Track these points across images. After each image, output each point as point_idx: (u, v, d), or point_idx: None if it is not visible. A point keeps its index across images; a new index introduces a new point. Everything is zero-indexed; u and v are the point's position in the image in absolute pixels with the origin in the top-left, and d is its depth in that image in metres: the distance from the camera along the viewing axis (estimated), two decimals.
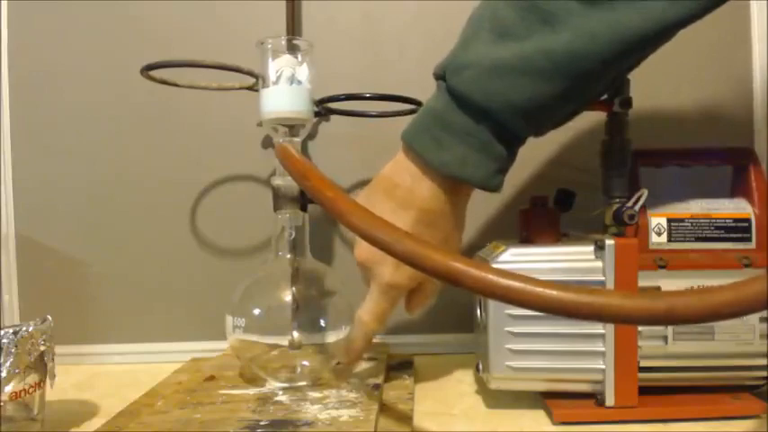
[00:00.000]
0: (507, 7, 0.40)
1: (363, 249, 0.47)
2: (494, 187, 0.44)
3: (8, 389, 0.43)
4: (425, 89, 0.46)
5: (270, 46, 0.52)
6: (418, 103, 0.61)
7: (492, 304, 0.48)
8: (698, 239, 0.50)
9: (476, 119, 0.42)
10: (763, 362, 0.47)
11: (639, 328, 0.47)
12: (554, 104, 0.41)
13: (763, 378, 0.48)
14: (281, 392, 0.50)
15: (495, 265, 0.47)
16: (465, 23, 0.44)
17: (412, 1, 0.70)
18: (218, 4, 0.69)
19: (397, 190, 0.46)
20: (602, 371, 0.47)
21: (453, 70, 0.42)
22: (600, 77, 0.41)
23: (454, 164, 0.43)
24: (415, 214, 0.45)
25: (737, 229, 0.50)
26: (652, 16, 0.37)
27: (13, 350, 0.43)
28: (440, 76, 0.45)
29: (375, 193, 0.47)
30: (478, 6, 0.44)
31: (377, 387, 0.50)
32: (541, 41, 0.39)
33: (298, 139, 0.53)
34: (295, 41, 0.54)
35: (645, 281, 0.47)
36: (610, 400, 0.47)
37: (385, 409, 0.48)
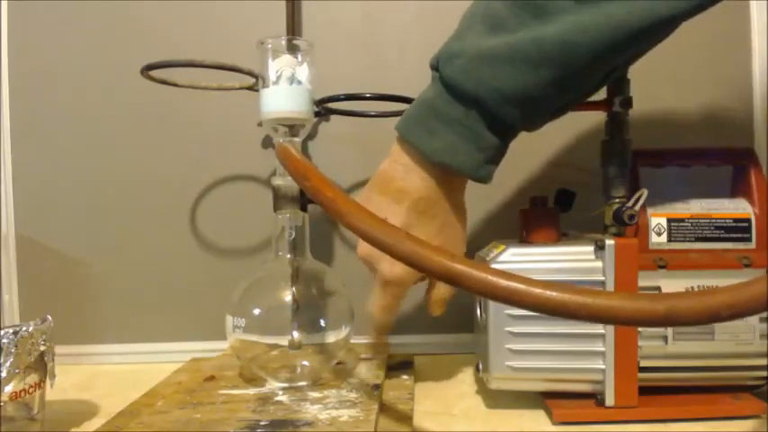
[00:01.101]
0: (500, 4, 0.41)
1: (364, 246, 0.47)
2: (483, 177, 0.44)
3: (8, 389, 0.43)
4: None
5: (270, 46, 0.52)
6: None
7: (492, 304, 0.48)
8: (698, 239, 0.50)
9: (467, 107, 0.42)
10: (763, 362, 0.47)
11: (639, 329, 0.47)
12: (544, 95, 0.42)
13: (763, 378, 0.48)
14: (281, 392, 0.50)
15: (495, 265, 0.47)
16: (459, 20, 0.45)
17: (412, 1, 0.70)
18: (218, 5, 0.69)
19: (392, 183, 0.46)
20: (602, 371, 0.47)
21: (446, 60, 0.43)
22: (591, 71, 0.41)
23: (444, 152, 0.43)
24: (409, 203, 0.45)
25: (737, 229, 0.50)
26: (640, 13, 0.38)
27: (13, 350, 0.43)
28: (434, 67, 0.45)
29: (372, 190, 0.47)
30: (472, 5, 0.44)
31: (377, 387, 0.51)
32: (532, 32, 0.40)
33: (298, 139, 0.53)
34: (295, 41, 0.54)
35: (645, 281, 0.47)
36: (610, 400, 0.47)
37: (385, 409, 0.48)
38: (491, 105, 0.42)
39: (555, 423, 0.47)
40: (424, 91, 0.46)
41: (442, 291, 0.50)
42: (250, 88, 0.60)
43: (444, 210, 0.46)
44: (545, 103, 0.43)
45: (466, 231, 0.49)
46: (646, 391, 0.48)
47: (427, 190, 0.45)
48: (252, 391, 0.50)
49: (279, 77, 0.51)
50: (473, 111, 0.42)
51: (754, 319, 0.47)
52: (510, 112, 0.42)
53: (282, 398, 0.48)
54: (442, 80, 0.43)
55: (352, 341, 0.54)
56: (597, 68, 0.42)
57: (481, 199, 0.69)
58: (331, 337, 0.52)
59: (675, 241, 0.50)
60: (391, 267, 0.46)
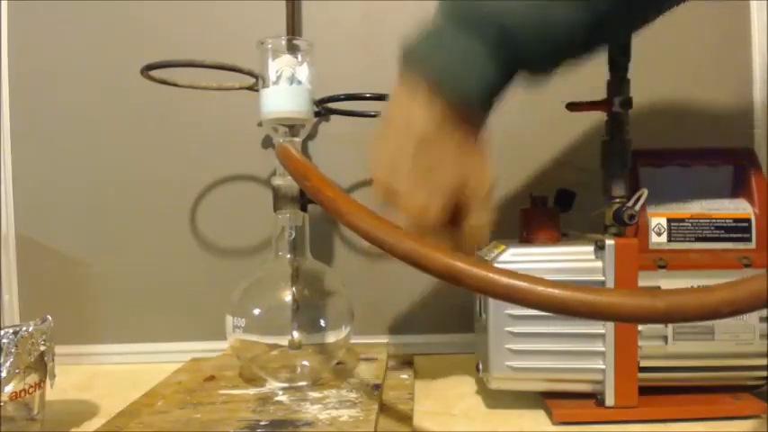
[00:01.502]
0: None
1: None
2: (480, 108, 0.42)
3: (8, 389, 0.43)
4: None
5: (270, 46, 0.52)
6: None
7: (492, 304, 0.48)
8: (698, 239, 0.50)
9: (473, 35, 0.39)
10: (763, 362, 0.47)
11: (639, 328, 0.47)
12: (553, 31, 0.39)
13: (763, 378, 0.48)
14: (281, 392, 0.50)
15: (495, 265, 0.47)
16: None
17: (412, 1, 0.70)
18: (218, 5, 0.69)
19: (395, 120, 0.43)
20: (602, 371, 0.47)
21: None
22: (607, 20, 0.39)
23: (444, 81, 0.40)
24: (416, 138, 0.42)
25: (737, 229, 0.50)
26: None
27: (13, 350, 0.43)
28: None
29: (381, 131, 0.45)
30: None
31: (377, 387, 0.51)
32: None
33: (298, 139, 0.53)
34: (295, 41, 0.54)
35: (645, 281, 0.47)
36: (610, 400, 0.47)
37: (385, 409, 0.48)
38: (500, 33, 0.39)
39: (555, 423, 0.47)
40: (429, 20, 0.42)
41: (479, 218, 0.43)
42: (250, 88, 0.60)
43: (457, 137, 0.42)
44: (553, 38, 0.40)
45: (488, 161, 0.44)
46: (646, 391, 0.48)
47: (432, 118, 0.41)
48: (252, 391, 0.50)
49: (279, 77, 0.51)
50: (478, 39, 0.39)
51: (753, 319, 0.47)
52: (520, 38, 0.39)
53: (282, 398, 0.48)
54: (449, 6, 0.40)
55: (351, 341, 0.54)
56: (613, 17, 0.39)
57: None
58: (331, 337, 0.52)
59: (675, 241, 0.50)
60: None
